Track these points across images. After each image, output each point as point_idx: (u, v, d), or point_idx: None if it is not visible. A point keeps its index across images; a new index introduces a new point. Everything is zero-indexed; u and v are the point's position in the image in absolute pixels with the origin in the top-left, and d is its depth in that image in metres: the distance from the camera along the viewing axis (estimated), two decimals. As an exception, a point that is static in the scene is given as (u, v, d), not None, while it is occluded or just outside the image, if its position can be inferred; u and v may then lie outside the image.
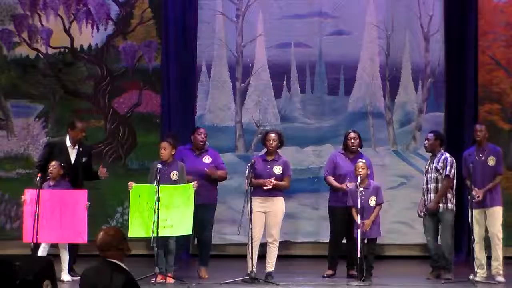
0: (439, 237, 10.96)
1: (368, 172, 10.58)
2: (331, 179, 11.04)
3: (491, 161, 10.64)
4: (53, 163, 10.49)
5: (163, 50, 13.10)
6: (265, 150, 10.78)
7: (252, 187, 10.33)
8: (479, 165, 10.62)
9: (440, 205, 10.73)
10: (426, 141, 10.93)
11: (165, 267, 10.37)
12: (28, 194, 10.35)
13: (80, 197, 10.34)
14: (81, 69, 13.55)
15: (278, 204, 10.60)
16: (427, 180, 10.81)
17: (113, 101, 13.52)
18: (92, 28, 13.47)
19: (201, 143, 11.00)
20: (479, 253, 10.53)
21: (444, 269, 10.71)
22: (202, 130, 11.11)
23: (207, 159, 10.98)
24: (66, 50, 13.54)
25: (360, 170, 10.42)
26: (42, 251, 10.30)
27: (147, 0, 13.49)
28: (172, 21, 13.01)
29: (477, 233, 10.55)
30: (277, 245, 10.62)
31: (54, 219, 10.13)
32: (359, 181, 10.38)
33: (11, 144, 13.44)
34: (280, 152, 10.79)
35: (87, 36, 13.50)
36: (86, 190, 10.49)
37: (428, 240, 10.95)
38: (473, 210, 10.53)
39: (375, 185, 10.56)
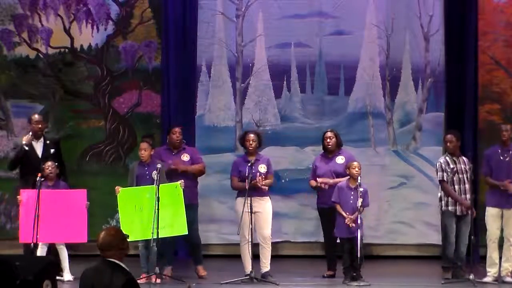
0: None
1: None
2: (312, 183, 11.22)
3: None
4: (49, 163, 10.57)
5: (163, 50, 13.11)
6: (245, 151, 10.91)
7: (248, 188, 10.43)
8: (504, 165, 10.67)
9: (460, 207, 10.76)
10: (449, 143, 10.88)
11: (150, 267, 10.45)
12: (25, 195, 10.43)
13: (79, 197, 10.41)
14: (81, 69, 13.56)
15: (266, 204, 10.68)
16: (459, 180, 10.79)
17: (113, 101, 13.54)
18: (92, 28, 13.49)
19: (177, 142, 11.09)
20: (493, 253, 10.57)
21: (461, 268, 10.73)
22: (176, 129, 11.18)
23: (185, 157, 11.09)
24: (66, 50, 13.55)
25: (357, 169, 10.50)
26: (40, 251, 10.35)
27: (147, 0, 13.52)
28: (172, 21, 13.02)
29: (493, 232, 10.61)
30: (270, 244, 10.67)
31: (54, 219, 10.19)
32: (359, 181, 10.46)
33: (11, 144, 13.45)
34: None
35: (87, 36, 13.51)
36: (86, 190, 10.57)
37: (451, 242, 10.78)
38: (492, 209, 10.61)
39: (364, 187, 10.61)
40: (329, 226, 10.95)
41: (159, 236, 10.20)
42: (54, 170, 10.58)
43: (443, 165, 10.85)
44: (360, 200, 10.40)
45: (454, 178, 10.80)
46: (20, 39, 13.50)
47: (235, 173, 10.82)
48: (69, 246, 10.89)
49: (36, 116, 11.29)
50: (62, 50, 13.55)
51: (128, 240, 5.61)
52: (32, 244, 10.14)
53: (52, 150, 11.07)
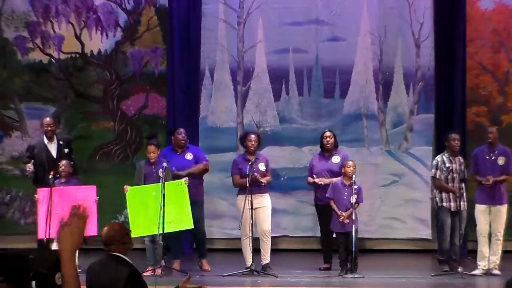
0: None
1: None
2: (309, 179, 11.25)
3: (501, 161, 10.78)
4: (63, 162, 10.63)
5: (169, 56, 13.11)
6: (245, 150, 10.98)
7: (249, 185, 10.48)
8: (489, 164, 10.76)
9: (462, 204, 10.74)
10: (457, 141, 10.90)
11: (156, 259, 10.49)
12: (41, 193, 10.47)
13: (89, 193, 10.45)
14: (91, 73, 13.59)
15: (266, 200, 10.74)
16: (452, 179, 10.82)
17: (121, 103, 13.56)
18: (102, 34, 13.51)
19: (183, 142, 11.11)
20: (483, 247, 10.64)
21: (454, 261, 10.73)
22: (181, 130, 11.22)
23: (189, 156, 11.12)
24: (77, 55, 13.57)
25: (352, 168, 10.55)
26: (55, 246, 10.37)
27: (154, 8, 13.53)
28: (177, 28, 13.02)
29: (483, 227, 10.68)
30: (269, 237, 10.72)
31: (66, 214, 10.19)
32: (353, 179, 10.50)
33: (26, 144, 13.46)
34: (261, 151, 10.96)
35: (97, 42, 13.53)
36: (95, 186, 10.61)
37: (446, 237, 10.83)
38: (480, 206, 10.69)
39: (358, 185, 10.67)
40: (325, 222, 11.01)
41: (166, 231, 10.27)
42: (67, 169, 10.63)
43: (439, 163, 10.92)
44: (354, 197, 10.46)
45: (448, 177, 10.85)
46: (33, 45, 13.52)
47: (235, 171, 10.88)
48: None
49: (47, 119, 11.27)
50: (73, 55, 13.57)
51: (132, 235, 5.64)
52: (45, 239, 10.19)
53: (66, 150, 11.10)
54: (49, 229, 10.13)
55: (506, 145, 11.23)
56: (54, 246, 10.29)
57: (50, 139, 11.12)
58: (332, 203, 10.63)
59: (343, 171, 10.69)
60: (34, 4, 13.48)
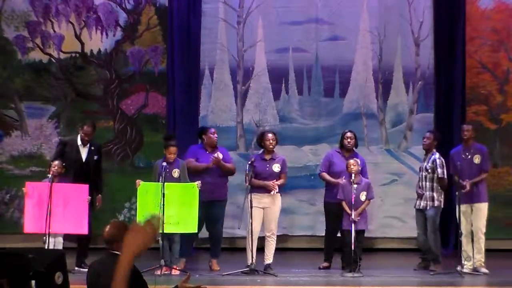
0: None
1: (360, 169, 10.66)
2: (325, 175, 11.09)
3: (477, 160, 10.74)
4: (56, 162, 10.56)
5: (169, 55, 13.13)
6: (262, 149, 10.84)
7: (251, 184, 10.41)
8: (466, 163, 10.71)
9: (423, 202, 10.77)
10: (425, 139, 10.95)
11: (170, 259, 10.46)
12: (30, 187, 10.40)
13: (81, 191, 10.39)
14: (91, 72, 13.59)
15: (276, 200, 10.66)
16: (422, 177, 10.90)
17: (121, 102, 13.56)
18: (102, 34, 13.51)
19: (216, 141, 11.08)
20: (467, 246, 10.61)
21: (433, 261, 10.78)
22: (214, 129, 11.20)
23: (219, 156, 11.07)
24: (77, 54, 13.57)
25: (352, 167, 10.52)
26: (56, 244, 10.33)
27: (154, 7, 13.54)
28: (177, 27, 13.04)
29: (464, 227, 10.63)
30: (275, 238, 10.68)
31: (57, 211, 10.17)
32: (353, 177, 10.47)
33: (25, 144, 13.49)
34: (276, 150, 10.87)
35: (97, 42, 13.53)
36: (87, 185, 10.48)
37: (418, 234, 11.06)
38: (461, 205, 10.61)
39: (366, 181, 10.69)
40: (332, 221, 10.91)
41: (171, 231, 10.26)
42: (59, 169, 10.55)
43: None
44: (363, 193, 10.44)
45: (419, 176, 10.98)
46: (33, 44, 13.52)
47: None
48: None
49: (87, 128, 10.93)
50: (73, 54, 13.58)
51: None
52: (45, 237, 10.15)
53: (96, 157, 11.04)
54: (48, 226, 10.08)
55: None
56: (56, 245, 10.28)
57: (84, 144, 11.01)
58: (344, 204, 10.55)
59: (347, 171, 10.64)
60: (34, 3, 13.48)
